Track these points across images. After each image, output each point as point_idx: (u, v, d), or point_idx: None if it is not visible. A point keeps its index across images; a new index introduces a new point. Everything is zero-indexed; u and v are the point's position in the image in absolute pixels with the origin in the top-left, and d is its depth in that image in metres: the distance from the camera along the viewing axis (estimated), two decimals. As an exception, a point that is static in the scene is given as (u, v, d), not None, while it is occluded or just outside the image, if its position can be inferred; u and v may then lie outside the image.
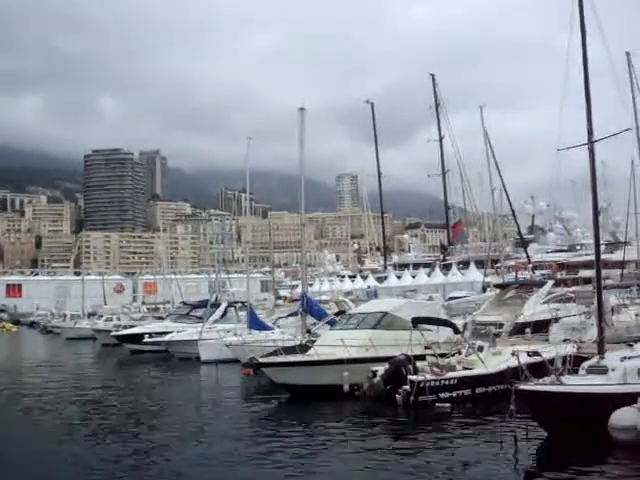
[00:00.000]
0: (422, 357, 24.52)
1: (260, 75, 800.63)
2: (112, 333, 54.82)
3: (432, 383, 22.16)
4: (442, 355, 25.03)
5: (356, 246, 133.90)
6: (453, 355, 25.28)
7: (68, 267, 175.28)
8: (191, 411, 24.58)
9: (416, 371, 23.08)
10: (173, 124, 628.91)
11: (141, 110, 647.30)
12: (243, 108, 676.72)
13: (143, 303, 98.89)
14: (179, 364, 41.17)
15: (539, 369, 18.30)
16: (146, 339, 47.20)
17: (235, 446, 17.85)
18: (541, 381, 17.43)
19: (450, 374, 22.94)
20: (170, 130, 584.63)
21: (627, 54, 37.30)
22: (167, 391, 31.89)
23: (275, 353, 27.39)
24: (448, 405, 21.74)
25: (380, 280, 75.87)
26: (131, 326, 57.51)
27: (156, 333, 47.78)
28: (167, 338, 44.88)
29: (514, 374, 17.77)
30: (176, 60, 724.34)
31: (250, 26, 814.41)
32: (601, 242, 35.64)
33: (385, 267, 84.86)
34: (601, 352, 19.27)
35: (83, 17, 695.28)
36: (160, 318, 62.32)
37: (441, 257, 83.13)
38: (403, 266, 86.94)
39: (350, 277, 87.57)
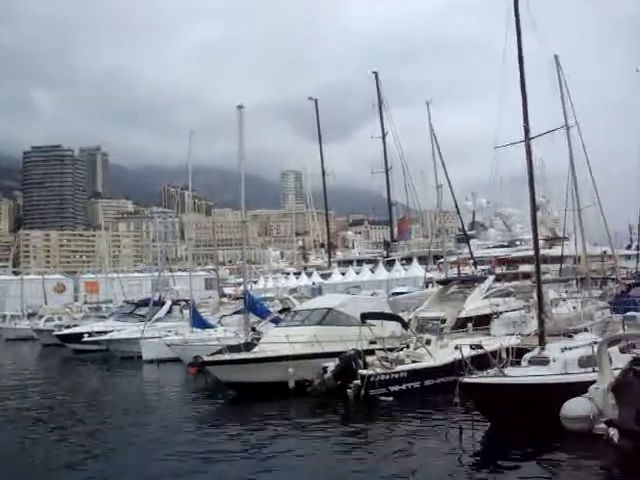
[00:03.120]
0: (371, 352, 24.74)
1: (200, 70, 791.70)
2: (54, 333, 53.84)
3: (382, 377, 22.53)
4: (391, 349, 25.32)
5: (300, 243, 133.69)
6: (402, 349, 25.58)
7: (7, 266, 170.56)
8: (133, 412, 24.19)
9: (366, 365, 23.31)
10: (114, 120, 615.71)
11: (80, 106, 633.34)
12: (184, 104, 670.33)
13: (85, 302, 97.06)
14: (121, 363, 40.60)
15: (484, 360, 18.63)
16: (85, 338, 46.51)
17: (181, 447, 17.67)
18: (485, 373, 17.73)
19: (399, 367, 23.32)
20: (111, 126, 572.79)
21: (555, 57, 38.05)
22: (108, 391, 31.43)
23: (220, 352, 27.27)
24: (391, 398, 22.04)
25: (324, 277, 76.02)
26: (74, 326, 56.50)
27: (97, 332, 47.11)
28: (107, 337, 44.29)
29: (461, 366, 18.06)
30: (113, 55, 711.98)
31: (188, 21, 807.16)
32: (540, 237, 36.52)
33: (329, 264, 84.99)
34: (542, 343, 19.69)
35: (16, 8, 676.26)
36: (102, 317, 61.35)
37: (384, 253, 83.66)
38: (347, 262, 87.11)
39: (294, 274, 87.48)
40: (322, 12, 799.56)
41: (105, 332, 46.00)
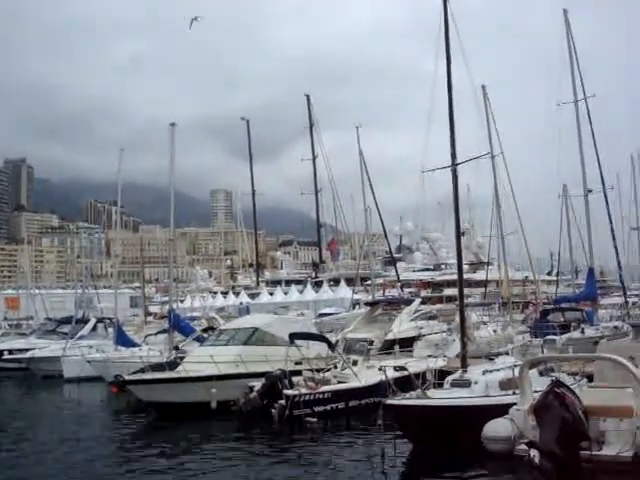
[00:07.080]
0: (298, 372, 24.75)
1: (129, 85, 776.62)
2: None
3: (306, 397, 22.45)
4: (319, 370, 25.35)
5: (229, 262, 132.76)
6: (329, 370, 25.64)
7: None
8: (49, 434, 23.42)
9: (292, 386, 23.27)
10: (39, 133, 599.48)
11: (4, 117, 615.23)
12: (113, 118, 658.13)
13: (5, 319, 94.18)
14: (41, 382, 39.53)
15: (408, 382, 18.84)
16: (5, 356, 45.16)
17: (98, 470, 17.24)
18: (407, 395, 17.91)
19: (324, 388, 23.28)
20: (36, 139, 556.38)
21: (483, 87, 39.26)
22: (26, 411, 30.48)
23: (142, 370, 26.84)
24: (315, 420, 22.00)
25: (252, 296, 75.68)
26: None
27: (17, 350, 45.80)
28: (28, 355, 43.06)
29: (386, 387, 18.21)
30: (37, 65, 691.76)
31: (117, 36, 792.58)
32: (464, 262, 37.34)
33: (257, 283, 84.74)
34: (464, 366, 20.03)
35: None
36: (23, 335, 59.60)
37: (313, 274, 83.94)
38: (275, 283, 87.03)
39: (222, 293, 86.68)
40: (254, 32, 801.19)
41: (26, 350, 44.73)
